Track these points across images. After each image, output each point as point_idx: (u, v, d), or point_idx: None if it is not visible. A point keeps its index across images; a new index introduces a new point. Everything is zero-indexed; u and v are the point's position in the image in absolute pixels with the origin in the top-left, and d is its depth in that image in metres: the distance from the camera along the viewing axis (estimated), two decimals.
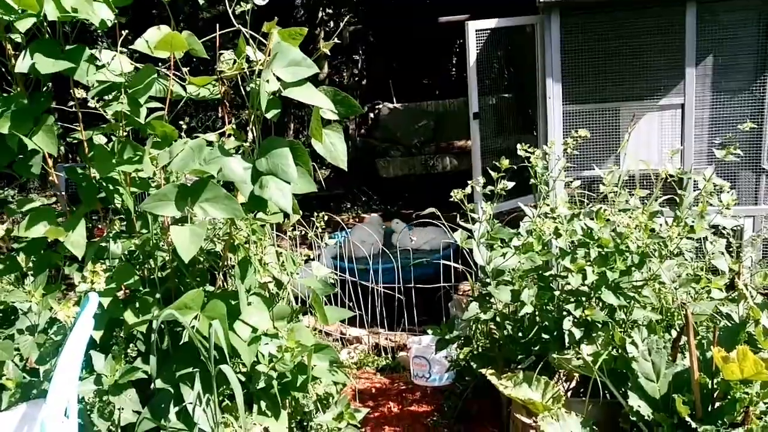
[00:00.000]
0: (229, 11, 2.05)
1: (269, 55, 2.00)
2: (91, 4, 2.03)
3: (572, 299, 2.54)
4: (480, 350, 2.96)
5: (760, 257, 3.75)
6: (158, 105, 2.27)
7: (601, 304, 2.51)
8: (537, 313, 2.65)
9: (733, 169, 3.90)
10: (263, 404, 2.34)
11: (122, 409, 2.14)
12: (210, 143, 2.08)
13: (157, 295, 2.27)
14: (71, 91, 2.20)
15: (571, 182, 3.00)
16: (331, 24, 10.09)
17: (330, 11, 10.15)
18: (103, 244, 2.29)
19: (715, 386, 2.08)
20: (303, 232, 3.37)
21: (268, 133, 2.11)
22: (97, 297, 1.87)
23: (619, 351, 2.33)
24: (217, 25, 2.24)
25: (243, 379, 2.29)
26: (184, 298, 2.11)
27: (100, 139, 2.31)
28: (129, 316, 2.18)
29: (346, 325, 4.21)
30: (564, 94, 4.10)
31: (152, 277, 2.31)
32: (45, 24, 2.04)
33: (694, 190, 2.70)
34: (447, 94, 10.04)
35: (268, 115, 2.04)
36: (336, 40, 2.19)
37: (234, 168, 2.00)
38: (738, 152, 2.65)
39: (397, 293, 3.92)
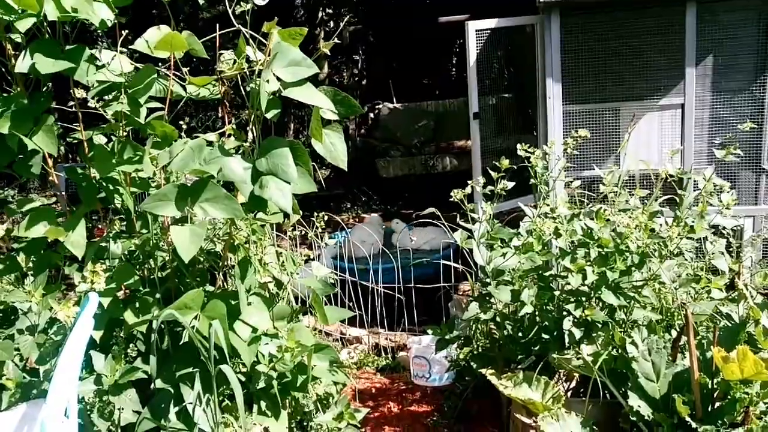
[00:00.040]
0: (229, 11, 2.05)
1: (269, 55, 2.00)
2: (91, 4, 2.03)
3: (572, 299, 2.54)
4: (480, 350, 2.96)
5: (760, 257, 3.74)
6: (158, 105, 2.27)
7: (601, 304, 2.51)
8: (537, 313, 2.65)
9: (733, 169, 3.90)
10: (263, 404, 2.34)
11: (122, 409, 2.14)
12: (210, 143, 2.08)
13: (157, 295, 2.27)
14: (71, 91, 2.20)
15: (571, 182, 3.00)
16: (331, 24, 10.09)
17: (330, 11, 10.14)
18: (103, 244, 2.29)
19: (715, 386, 2.08)
20: (303, 232, 3.37)
21: (268, 133, 2.11)
22: (97, 297, 1.87)
23: (619, 351, 2.33)
24: (217, 25, 2.24)
25: (243, 379, 2.29)
26: (184, 298, 2.11)
27: (100, 139, 2.31)
28: (129, 316, 2.18)
29: (346, 325, 4.21)
30: (564, 94, 4.10)
31: (152, 277, 2.31)
32: (45, 24, 2.04)
33: (694, 190, 2.70)
34: (447, 94, 10.03)
35: (268, 115, 2.04)
36: (336, 40, 2.19)
37: (234, 168, 2.00)
38: (738, 152, 2.65)
39: (397, 293, 3.92)
